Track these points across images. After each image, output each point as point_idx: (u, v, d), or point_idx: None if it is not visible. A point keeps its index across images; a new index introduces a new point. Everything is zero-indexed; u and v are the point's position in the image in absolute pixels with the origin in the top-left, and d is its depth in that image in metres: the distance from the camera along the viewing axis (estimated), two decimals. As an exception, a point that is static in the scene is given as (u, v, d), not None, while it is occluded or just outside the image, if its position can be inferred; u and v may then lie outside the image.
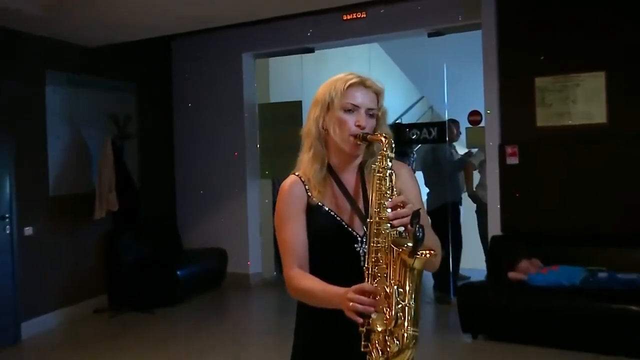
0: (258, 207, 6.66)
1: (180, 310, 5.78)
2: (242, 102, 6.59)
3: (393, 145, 1.57)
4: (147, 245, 6.24)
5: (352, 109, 1.66)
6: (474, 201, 6.27)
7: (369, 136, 1.64)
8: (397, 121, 8.05)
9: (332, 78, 1.71)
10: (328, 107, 1.69)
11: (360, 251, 1.64)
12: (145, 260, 6.05)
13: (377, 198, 1.53)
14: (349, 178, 1.72)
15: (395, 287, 1.41)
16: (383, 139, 1.58)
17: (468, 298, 4.64)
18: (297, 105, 6.41)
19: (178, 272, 5.89)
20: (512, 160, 5.09)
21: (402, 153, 6.19)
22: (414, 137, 5.90)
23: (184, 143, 6.92)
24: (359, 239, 1.65)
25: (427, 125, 6.07)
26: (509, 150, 5.10)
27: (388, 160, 1.55)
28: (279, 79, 7.20)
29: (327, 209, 1.67)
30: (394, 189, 1.54)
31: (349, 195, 1.70)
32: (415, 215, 1.44)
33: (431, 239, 1.55)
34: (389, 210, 1.48)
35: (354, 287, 1.42)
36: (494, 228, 5.17)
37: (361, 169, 1.74)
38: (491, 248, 5.11)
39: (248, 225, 6.60)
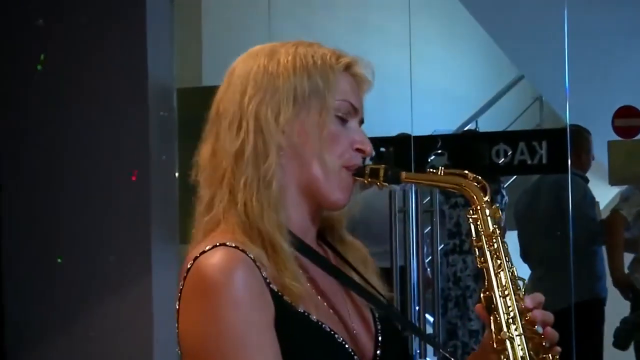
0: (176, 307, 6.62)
1: None
2: (145, 85, 6.65)
3: (488, 190, 1.84)
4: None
5: (348, 116, 1.87)
6: (624, 294, 6.44)
7: (402, 175, 1.86)
8: (467, 127, 8.08)
9: (292, 45, 1.87)
10: (302, 103, 1.82)
11: None
12: None
13: (510, 292, 1.80)
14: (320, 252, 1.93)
15: None
16: (471, 189, 1.83)
17: None
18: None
19: None
20: None
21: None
22: (502, 160, 5.99)
23: (21, 168, 6.91)
24: None
25: (528, 136, 6.13)
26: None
27: (491, 218, 1.82)
28: (221, 39, 7.36)
29: (315, 320, 1.77)
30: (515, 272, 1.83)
31: (357, 287, 1.90)
32: None
33: None
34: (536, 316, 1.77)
35: None
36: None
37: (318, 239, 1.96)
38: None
39: (153, 344, 6.58)
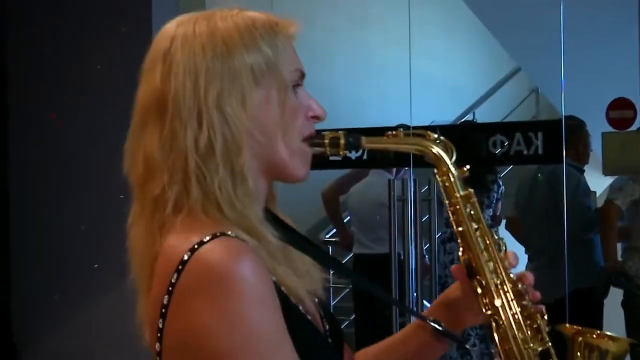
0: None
1: None
2: None
3: (454, 152, 1.83)
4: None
5: (299, 83, 1.75)
6: (616, 283, 6.43)
7: (367, 142, 1.82)
8: (465, 118, 8.10)
9: (226, 16, 1.74)
10: (260, 79, 1.70)
11: None
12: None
13: (494, 255, 1.83)
14: None
15: None
16: (436, 149, 1.81)
17: None
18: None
19: None
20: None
21: (474, 182, 6.25)
22: (498, 150, 5.99)
23: (32, 160, 6.96)
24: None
25: (524, 127, 6.15)
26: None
27: (460, 184, 1.83)
28: None
29: (303, 312, 1.71)
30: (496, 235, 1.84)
31: (335, 263, 1.98)
32: None
33: None
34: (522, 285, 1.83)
35: None
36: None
37: None
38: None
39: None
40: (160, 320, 1.60)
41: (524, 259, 6.72)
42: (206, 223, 1.61)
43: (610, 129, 6.47)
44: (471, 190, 1.83)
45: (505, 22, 8.53)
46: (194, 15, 1.77)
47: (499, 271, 1.80)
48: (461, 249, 1.84)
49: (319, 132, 1.78)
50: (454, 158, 1.81)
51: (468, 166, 1.82)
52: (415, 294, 5.97)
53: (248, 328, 1.54)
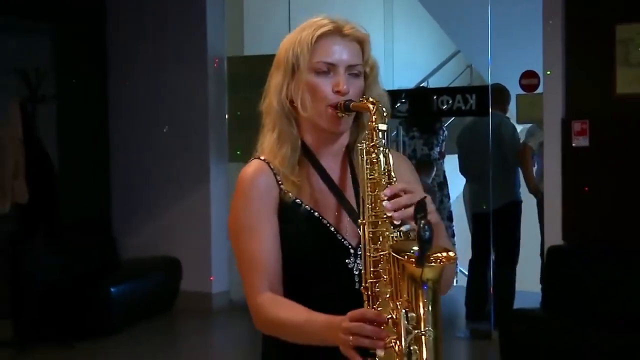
0: (226, 202, 6.77)
1: (115, 344, 5.83)
2: (205, 54, 6.69)
3: (385, 114, 1.63)
4: (68, 253, 6.31)
5: (327, 70, 1.73)
6: (535, 196, 6.43)
7: (352, 104, 1.70)
8: (421, 85, 8.12)
9: (300, 26, 1.78)
10: (293, 70, 1.75)
11: (354, 268, 1.70)
12: (66, 275, 6.12)
13: (370, 189, 1.59)
14: (332, 164, 1.81)
15: (404, 310, 1.44)
16: (370, 106, 1.63)
17: (514, 332, 4.78)
18: (281, 60, 6.48)
19: (112, 290, 5.99)
20: (580, 141, 5.16)
21: (427, 129, 6.29)
22: (444, 107, 6.10)
23: (124, 110, 7.00)
24: (352, 251, 1.72)
25: (463, 91, 6.23)
26: (576, 127, 5.18)
27: (380, 134, 1.61)
28: (257, 22, 7.30)
29: (307, 207, 1.73)
30: (392, 174, 1.60)
31: (334, 186, 1.76)
32: (421, 207, 1.43)
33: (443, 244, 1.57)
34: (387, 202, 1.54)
35: (352, 313, 1.48)
36: (553, 236, 5.24)
37: (349, 152, 1.82)
38: (548, 264, 5.18)
39: (211, 227, 6.71)
40: None
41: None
42: (263, 151, 1.78)
43: (521, 92, 6.42)
44: (383, 140, 1.61)
45: (449, 16, 8.48)
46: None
47: (374, 191, 1.58)
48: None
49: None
50: (384, 116, 1.62)
51: (385, 126, 1.61)
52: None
53: (236, 211, 1.74)
